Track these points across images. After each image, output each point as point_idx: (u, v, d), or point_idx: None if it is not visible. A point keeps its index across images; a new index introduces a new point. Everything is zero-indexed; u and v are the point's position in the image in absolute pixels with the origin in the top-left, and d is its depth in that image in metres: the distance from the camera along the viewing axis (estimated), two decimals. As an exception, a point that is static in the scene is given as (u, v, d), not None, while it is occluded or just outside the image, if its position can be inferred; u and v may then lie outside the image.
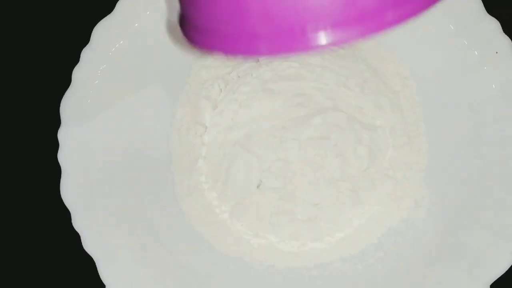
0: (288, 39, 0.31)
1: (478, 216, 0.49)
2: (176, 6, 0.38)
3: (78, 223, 0.48)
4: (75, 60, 0.51)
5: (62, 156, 0.49)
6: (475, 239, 0.48)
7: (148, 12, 0.53)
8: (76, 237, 0.48)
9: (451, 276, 0.47)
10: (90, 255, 0.48)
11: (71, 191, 0.49)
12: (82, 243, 0.48)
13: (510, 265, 0.46)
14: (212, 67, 0.57)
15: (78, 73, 0.51)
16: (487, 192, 0.49)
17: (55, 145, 0.50)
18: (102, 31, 0.52)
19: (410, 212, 0.52)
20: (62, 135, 0.50)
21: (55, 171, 0.50)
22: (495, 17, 0.51)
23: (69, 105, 0.50)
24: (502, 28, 0.51)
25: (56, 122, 0.50)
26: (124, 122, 0.53)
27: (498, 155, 0.50)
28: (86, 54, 0.51)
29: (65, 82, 0.51)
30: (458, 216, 0.50)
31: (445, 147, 0.53)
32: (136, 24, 0.53)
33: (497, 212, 0.48)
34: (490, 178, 0.50)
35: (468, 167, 0.51)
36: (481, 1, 0.51)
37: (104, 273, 0.47)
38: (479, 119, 0.52)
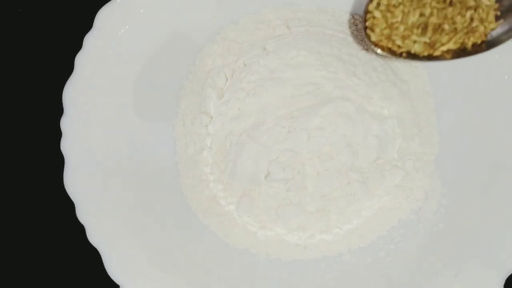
0: None
1: (493, 208, 0.48)
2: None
3: (82, 215, 0.47)
4: (78, 46, 0.50)
5: (65, 145, 0.48)
6: (490, 231, 0.47)
7: (153, -2, 0.52)
8: (80, 228, 0.47)
9: (468, 269, 0.46)
10: (95, 246, 0.47)
11: (75, 181, 0.48)
12: (87, 235, 0.47)
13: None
14: (218, 55, 0.56)
15: (81, 60, 0.50)
16: (501, 182, 0.49)
17: (57, 134, 0.49)
18: (105, 16, 0.51)
19: (421, 204, 0.52)
20: (65, 123, 0.49)
21: (58, 161, 0.49)
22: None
23: (72, 93, 0.49)
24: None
25: (58, 110, 0.49)
26: (128, 111, 0.52)
27: (511, 145, 0.50)
28: (89, 40, 0.50)
29: (68, 69, 0.50)
30: (471, 208, 0.49)
31: (456, 137, 0.52)
32: (141, 10, 0.52)
33: (512, 202, 0.48)
34: (503, 168, 0.49)
35: (481, 157, 0.51)
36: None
37: (109, 265, 0.47)
38: (493, 109, 0.51)
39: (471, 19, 0.46)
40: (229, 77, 0.56)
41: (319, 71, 0.53)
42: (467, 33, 0.47)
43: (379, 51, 0.48)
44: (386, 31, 0.48)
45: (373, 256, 0.51)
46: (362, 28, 0.49)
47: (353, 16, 0.56)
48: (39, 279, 0.55)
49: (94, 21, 0.50)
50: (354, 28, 0.54)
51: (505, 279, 0.45)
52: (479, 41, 0.47)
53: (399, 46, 0.48)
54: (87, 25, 0.50)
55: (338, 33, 0.55)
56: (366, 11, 0.49)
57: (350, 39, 0.55)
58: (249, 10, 0.57)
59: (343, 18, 0.57)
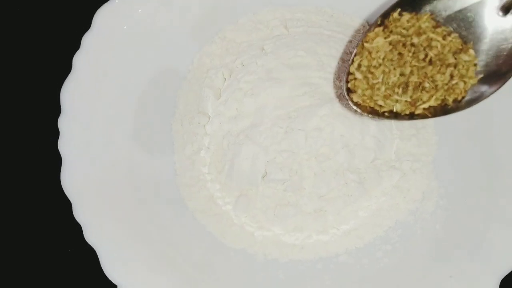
0: None
1: (490, 209, 0.48)
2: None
3: (79, 214, 0.47)
4: (76, 46, 0.50)
5: (63, 145, 0.48)
6: (487, 232, 0.47)
7: (151, -3, 0.52)
8: (77, 228, 0.47)
9: (463, 270, 0.46)
10: (92, 246, 0.47)
11: (72, 181, 0.48)
12: (84, 235, 0.47)
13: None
14: (216, 55, 0.56)
15: (79, 59, 0.50)
16: (498, 184, 0.49)
17: (55, 134, 0.49)
18: (104, 16, 0.51)
19: (418, 205, 0.52)
20: (63, 123, 0.49)
21: (56, 160, 0.49)
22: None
23: (69, 92, 0.49)
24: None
25: (56, 109, 0.49)
26: (126, 111, 0.52)
27: (508, 146, 0.50)
28: (88, 39, 0.50)
29: (66, 68, 0.50)
30: (468, 209, 0.49)
31: (454, 138, 0.52)
32: (140, 10, 0.52)
33: (510, 203, 0.48)
34: (500, 169, 0.49)
35: (478, 158, 0.51)
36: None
37: (106, 264, 0.47)
38: (490, 109, 0.51)
39: (451, 76, 0.46)
40: (227, 77, 0.56)
41: (317, 71, 0.53)
42: (447, 89, 0.46)
43: (360, 112, 0.48)
44: (368, 92, 0.47)
45: (370, 256, 0.51)
46: (344, 89, 0.48)
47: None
48: (36, 279, 0.55)
49: (93, 20, 0.50)
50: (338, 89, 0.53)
51: (500, 280, 0.45)
52: (459, 97, 0.47)
53: (381, 106, 0.47)
54: (86, 25, 0.50)
55: (336, 34, 0.55)
56: (348, 73, 0.48)
57: (348, 39, 0.55)
58: (248, 10, 0.57)
59: (341, 19, 0.57)
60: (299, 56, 0.54)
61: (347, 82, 0.48)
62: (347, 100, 0.48)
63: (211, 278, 0.50)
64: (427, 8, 0.47)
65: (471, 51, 0.46)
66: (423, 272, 0.48)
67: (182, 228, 0.52)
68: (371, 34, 0.47)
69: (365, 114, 0.48)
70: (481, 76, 0.46)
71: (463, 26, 0.47)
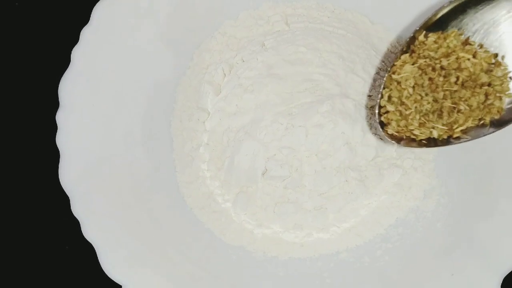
0: None
1: (491, 207, 0.48)
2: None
3: (77, 209, 0.47)
4: (75, 40, 0.50)
5: (61, 139, 0.48)
6: (488, 230, 0.47)
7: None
8: (75, 224, 0.47)
9: (465, 268, 0.46)
10: (90, 242, 0.47)
11: (70, 176, 0.48)
12: (82, 230, 0.47)
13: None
14: (216, 51, 0.56)
15: (78, 53, 0.49)
16: (499, 182, 0.49)
17: (53, 128, 0.48)
18: (103, 10, 0.50)
19: (419, 203, 0.52)
20: (61, 117, 0.48)
21: (53, 155, 0.48)
22: None
23: (68, 87, 0.49)
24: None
25: (54, 104, 0.49)
26: (125, 105, 0.52)
27: (509, 145, 0.49)
28: (86, 33, 0.50)
29: (64, 62, 0.49)
30: (470, 207, 0.49)
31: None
32: (139, 4, 0.51)
33: (511, 202, 0.47)
34: (501, 167, 0.49)
35: (479, 157, 0.50)
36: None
37: (104, 260, 0.46)
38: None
39: (486, 95, 0.45)
40: (227, 73, 0.55)
41: (318, 67, 0.53)
42: (483, 109, 0.45)
43: (397, 144, 0.47)
44: (402, 122, 0.46)
45: (371, 255, 0.51)
46: (377, 122, 0.48)
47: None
48: (33, 274, 0.55)
49: (91, 14, 0.50)
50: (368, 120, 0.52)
51: (502, 279, 0.45)
52: (497, 116, 0.46)
53: (417, 135, 0.47)
54: (84, 19, 0.50)
55: (338, 30, 0.55)
56: (379, 106, 0.47)
57: (350, 35, 0.55)
58: (248, 5, 0.56)
59: (342, 14, 0.56)
60: (300, 52, 0.53)
61: (380, 115, 0.47)
62: (381, 131, 0.47)
63: (210, 275, 0.49)
64: (454, 24, 0.46)
65: (504, 65, 0.45)
66: (424, 270, 0.48)
67: (181, 225, 0.51)
68: (398, 63, 0.46)
69: (403, 144, 0.47)
70: None
71: (493, 39, 0.46)
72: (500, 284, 0.45)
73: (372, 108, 0.52)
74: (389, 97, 0.47)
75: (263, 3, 0.56)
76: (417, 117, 0.46)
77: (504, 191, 0.48)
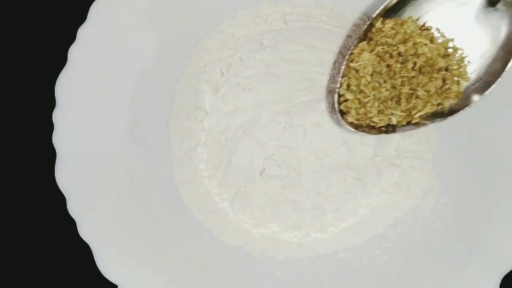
0: None
1: (490, 206, 0.48)
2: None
3: (73, 209, 0.47)
4: (72, 38, 0.49)
5: (57, 139, 0.48)
6: (488, 229, 0.47)
7: (149, -10, 0.52)
8: (71, 223, 0.47)
9: (463, 268, 0.46)
10: (86, 242, 0.46)
11: (67, 175, 0.47)
12: (78, 230, 0.46)
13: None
14: (214, 50, 0.56)
15: (74, 52, 0.49)
16: (498, 181, 0.48)
17: (49, 127, 0.48)
18: (100, 8, 0.50)
19: (418, 202, 0.52)
20: (57, 116, 0.48)
21: (50, 154, 0.48)
22: None
23: (64, 85, 0.48)
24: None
25: (51, 102, 0.48)
26: (122, 105, 0.51)
27: (509, 144, 0.49)
28: (83, 32, 0.49)
29: (61, 61, 0.49)
30: (469, 206, 0.49)
31: (454, 135, 0.52)
32: (136, 2, 0.51)
33: (510, 201, 0.47)
34: (501, 166, 0.49)
35: (478, 155, 0.50)
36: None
37: (100, 260, 0.46)
38: (490, 106, 0.50)
39: (444, 80, 0.45)
40: (225, 71, 0.55)
41: (316, 66, 0.53)
42: (441, 94, 0.45)
43: (356, 131, 0.47)
44: (362, 110, 0.47)
45: (369, 254, 0.50)
46: (337, 111, 0.47)
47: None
48: (31, 274, 0.55)
49: (88, 13, 0.50)
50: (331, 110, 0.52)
51: (501, 279, 0.45)
52: (456, 100, 0.46)
53: (376, 122, 0.47)
54: (81, 18, 0.50)
55: (336, 28, 0.55)
56: (339, 95, 0.47)
57: (349, 33, 0.55)
58: (247, 4, 0.56)
59: (341, 13, 0.56)
60: (299, 51, 0.53)
61: (339, 104, 0.47)
62: (341, 118, 0.47)
63: (207, 275, 0.49)
64: (411, 10, 0.46)
65: (461, 49, 0.45)
66: (423, 269, 0.47)
67: (178, 225, 0.51)
68: (356, 51, 0.46)
69: (362, 132, 0.47)
70: (475, 73, 0.45)
71: (451, 24, 0.46)
72: (499, 284, 0.45)
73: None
74: (348, 86, 0.47)
75: (262, 2, 0.56)
76: (376, 104, 0.46)
77: (503, 191, 0.48)
